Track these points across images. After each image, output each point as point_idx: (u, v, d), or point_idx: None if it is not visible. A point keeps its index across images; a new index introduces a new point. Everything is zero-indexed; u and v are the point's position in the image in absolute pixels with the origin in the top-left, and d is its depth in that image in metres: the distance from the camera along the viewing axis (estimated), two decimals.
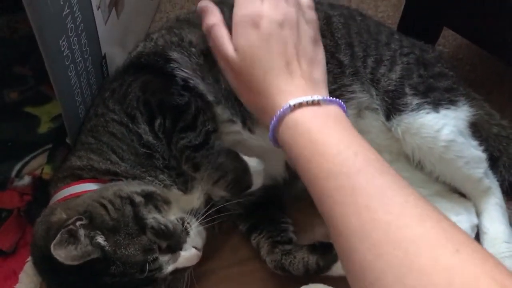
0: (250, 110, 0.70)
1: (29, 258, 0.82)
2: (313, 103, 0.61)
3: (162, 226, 0.70)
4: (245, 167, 0.77)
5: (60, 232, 0.64)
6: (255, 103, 0.67)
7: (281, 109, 0.61)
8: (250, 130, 0.81)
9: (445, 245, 0.47)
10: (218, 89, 0.79)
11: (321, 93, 0.63)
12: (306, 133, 0.59)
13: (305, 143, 0.59)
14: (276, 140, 0.64)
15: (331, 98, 0.62)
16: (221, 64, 0.69)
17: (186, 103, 0.75)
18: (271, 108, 0.63)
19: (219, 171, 0.75)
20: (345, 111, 0.63)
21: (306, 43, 0.67)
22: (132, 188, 0.73)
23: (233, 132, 0.81)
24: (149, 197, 0.72)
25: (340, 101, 0.63)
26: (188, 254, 0.72)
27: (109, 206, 0.69)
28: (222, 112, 0.79)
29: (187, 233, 0.73)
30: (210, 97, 0.78)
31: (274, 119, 0.62)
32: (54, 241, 0.63)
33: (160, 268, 0.69)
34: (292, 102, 0.60)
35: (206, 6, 0.70)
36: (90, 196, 0.71)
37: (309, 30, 0.68)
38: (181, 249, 0.72)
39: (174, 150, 0.76)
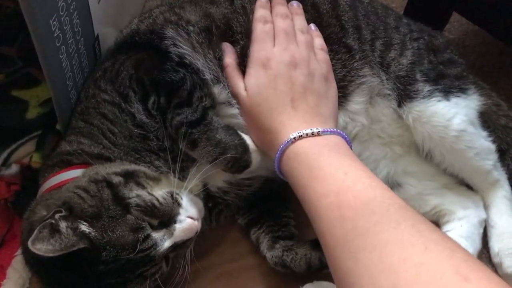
0: (260, 148, 0.75)
1: (17, 252, 0.79)
2: (313, 135, 0.67)
3: (148, 203, 0.66)
4: (244, 144, 0.75)
5: (38, 228, 0.61)
6: (263, 140, 0.73)
7: (284, 143, 0.67)
8: None
9: (416, 244, 0.51)
10: (219, 67, 0.77)
11: (325, 126, 0.69)
12: (304, 162, 0.65)
13: (303, 171, 0.65)
14: (281, 172, 0.70)
15: (332, 129, 0.68)
16: (236, 100, 0.76)
17: (181, 79, 0.73)
18: (276, 143, 0.69)
19: (218, 148, 0.72)
20: (347, 141, 0.68)
21: (316, 81, 0.74)
22: (110, 169, 0.70)
23: (230, 115, 0.78)
24: (129, 175, 0.69)
25: (342, 132, 0.69)
26: (185, 226, 0.68)
27: (84, 195, 0.66)
28: (219, 92, 0.77)
29: (179, 204, 0.69)
30: (208, 75, 0.76)
31: (278, 152, 0.68)
32: (31, 238, 0.60)
33: (155, 246, 0.65)
34: (293, 135, 0.67)
35: (225, 47, 0.78)
36: (67, 188, 0.69)
37: (320, 68, 0.75)
38: (175, 222, 0.68)
39: (169, 128, 0.73)
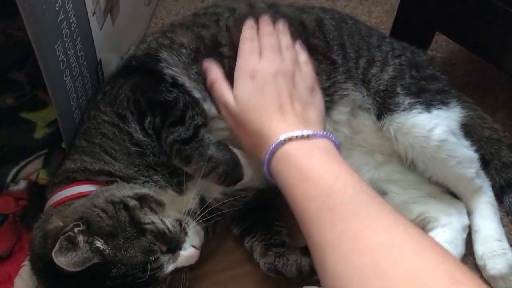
0: (249, 152, 0.77)
1: (25, 263, 0.82)
2: (302, 137, 0.67)
3: (161, 230, 0.71)
4: (235, 159, 0.78)
5: (59, 240, 0.64)
6: (252, 144, 0.73)
7: (274, 144, 0.67)
8: None
9: (408, 248, 0.51)
10: (203, 87, 0.80)
11: (314, 130, 0.68)
12: (293, 163, 0.65)
13: (292, 173, 0.65)
14: (271, 174, 0.69)
15: (322, 133, 0.68)
16: (223, 112, 0.78)
17: (174, 99, 0.77)
18: (265, 145, 0.69)
19: (210, 163, 0.76)
20: (335, 144, 0.68)
21: (301, 90, 0.75)
22: (124, 192, 0.73)
23: (221, 129, 0.82)
24: (143, 200, 0.73)
25: (331, 135, 0.69)
26: (188, 254, 0.73)
27: (103, 215, 0.69)
28: (209, 108, 0.81)
29: (186, 233, 0.74)
30: (197, 94, 0.80)
31: (267, 153, 0.68)
32: (55, 249, 0.63)
33: (161, 267, 0.70)
34: (283, 137, 0.67)
35: (209, 65, 0.80)
36: (82, 204, 0.72)
37: (304, 81, 0.77)
38: (180, 249, 0.73)
39: (164, 146, 0.77)
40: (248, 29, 0.82)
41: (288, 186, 0.65)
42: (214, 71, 0.79)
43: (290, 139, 0.67)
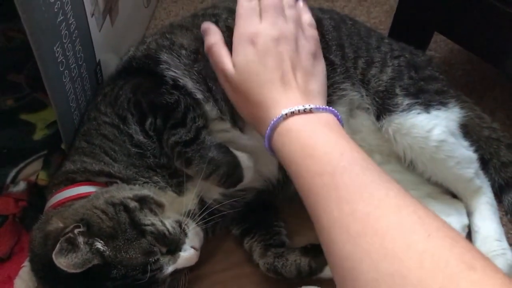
0: (249, 123, 0.74)
1: (24, 264, 0.82)
2: (305, 112, 0.64)
3: (161, 232, 0.71)
4: (236, 161, 0.78)
5: (60, 241, 0.64)
6: (253, 115, 0.70)
7: (275, 119, 0.65)
8: (241, 130, 0.83)
9: (418, 231, 0.49)
10: (205, 88, 0.80)
11: (315, 103, 0.66)
12: (296, 139, 0.63)
13: (295, 148, 0.62)
14: (272, 149, 0.67)
15: (324, 106, 0.66)
16: (221, 79, 0.74)
17: (175, 101, 0.77)
18: (266, 118, 0.66)
19: (210, 165, 0.76)
20: (338, 118, 0.66)
21: (304, 57, 0.71)
22: (124, 193, 0.74)
23: (223, 130, 0.82)
24: (143, 201, 0.73)
25: (333, 109, 0.66)
26: (187, 255, 0.74)
27: (103, 216, 0.70)
28: (211, 109, 0.81)
29: (185, 234, 0.75)
30: (199, 95, 0.80)
31: (269, 128, 0.65)
32: (55, 251, 0.63)
33: (161, 269, 0.70)
34: (285, 111, 0.64)
35: (208, 27, 0.76)
36: (83, 205, 0.72)
37: (308, 45, 0.73)
38: (180, 250, 0.73)
39: (165, 147, 0.77)
40: None
41: (291, 162, 0.62)
42: (213, 34, 0.75)
43: (292, 113, 0.64)
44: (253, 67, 0.70)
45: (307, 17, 0.77)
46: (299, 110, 0.64)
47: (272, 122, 0.65)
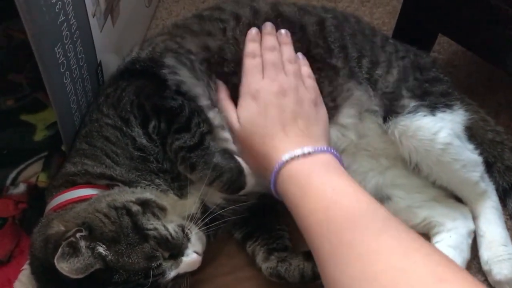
0: (256, 173, 0.78)
1: (24, 267, 0.82)
2: (304, 155, 0.69)
3: (164, 237, 0.70)
4: (240, 168, 0.78)
5: (62, 245, 0.64)
6: (258, 165, 0.75)
7: (277, 165, 0.70)
8: None
9: (396, 252, 0.54)
10: (210, 95, 0.81)
11: (316, 146, 0.71)
12: (295, 182, 0.68)
13: (295, 191, 0.67)
14: (278, 194, 0.72)
15: (323, 148, 0.71)
16: (230, 131, 0.80)
17: (179, 106, 0.76)
18: (270, 166, 0.71)
19: (214, 172, 0.75)
20: (337, 157, 0.71)
21: (305, 106, 0.77)
22: (126, 196, 0.73)
23: (224, 139, 0.81)
24: (145, 205, 0.72)
25: (332, 149, 0.71)
26: (190, 259, 0.73)
27: (105, 220, 0.69)
28: (214, 117, 0.80)
29: (188, 239, 0.74)
30: (205, 102, 0.79)
31: (273, 175, 0.70)
32: (57, 255, 0.63)
33: (163, 274, 0.69)
34: (285, 157, 0.69)
35: (218, 83, 0.82)
36: (84, 209, 0.71)
37: (308, 94, 0.79)
38: (183, 255, 0.72)
39: (169, 152, 0.76)
40: (250, 41, 0.83)
41: (293, 205, 0.67)
42: (220, 92, 0.81)
43: (292, 158, 0.69)
44: (255, 120, 0.75)
45: (306, 70, 0.82)
46: (298, 155, 0.69)
47: (275, 168, 0.70)
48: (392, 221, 0.59)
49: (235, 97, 0.81)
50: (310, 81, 0.81)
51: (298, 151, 0.69)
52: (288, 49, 0.83)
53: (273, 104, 0.76)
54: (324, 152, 0.70)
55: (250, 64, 0.81)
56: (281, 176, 0.70)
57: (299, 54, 0.84)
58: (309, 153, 0.69)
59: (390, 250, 0.55)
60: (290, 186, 0.68)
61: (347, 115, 0.85)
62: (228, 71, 0.83)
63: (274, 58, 0.81)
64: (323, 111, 0.80)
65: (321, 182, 0.65)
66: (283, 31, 0.84)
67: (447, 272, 0.51)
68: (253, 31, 0.84)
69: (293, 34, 0.85)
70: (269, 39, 0.83)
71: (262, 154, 0.73)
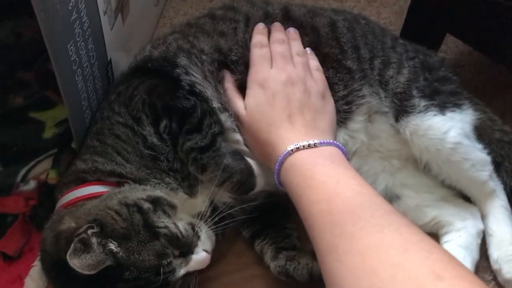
0: (261, 161, 0.79)
1: (35, 263, 0.82)
2: (309, 146, 0.70)
3: (174, 235, 0.70)
4: (250, 169, 0.78)
5: (74, 242, 0.64)
6: (263, 154, 0.76)
7: (282, 155, 0.70)
8: None
9: (396, 247, 0.54)
10: (222, 97, 0.81)
11: (321, 138, 0.71)
12: (299, 172, 0.68)
13: (298, 181, 0.67)
14: (281, 183, 0.72)
15: (329, 141, 0.71)
16: (236, 120, 0.80)
17: (192, 106, 0.76)
18: (275, 155, 0.71)
19: (225, 173, 0.76)
20: (343, 151, 0.71)
21: (313, 97, 0.77)
22: (137, 194, 0.73)
23: (234, 141, 0.82)
24: (156, 202, 0.73)
25: (337, 143, 0.71)
26: (199, 258, 0.73)
27: (117, 217, 0.69)
28: (225, 120, 0.80)
29: (198, 237, 0.74)
30: (216, 104, 0.80)
31: (277, 164, 0.70)
32: (69, 251, 0.63)
33: (173, 271, 0.70)
34: (290, 147, 0.70)
35: (224, 73, 0.82)
36: (96, 205, 0.71)
37: (316, 86, 0.79)
38: (192, 253, 0.73)
39: (180, 152, 0.76)
40: (257, 34, 0.83)
41: (296, 195, 0.67)
42: (227, 81, 0.81)
43: (297, 149, 0.69)
44: (262, 108, 0.76)
45: (314, 63, 0.82)
46: (303, 146, 0.69)
47: (279, 158, 0.70)
48: (393, 215, 0.59)
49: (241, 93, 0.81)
50: (318, 74, 0.81)
51: (304, 142, 0.70)
52: (296, 44, 0.83)
53: (281, 93, 0.76)
54: (330, 145, 0.70)
55: (257, 54, 0.80)
56: (285, 166, 0.70)
57: (308, 49, 0.84)
58: (315, 145, 0.69)
59: (390, 245, 0.55)
60: (294, 177, 0.68)
61: (357, 121, 0.86)
62: (235, 71, 0.82)
63: (283, 49, 0.81)
64: (330, 104, 0.80)
65: (325, 174, 0.65)
66: (291, 29, 0.85)
67: (446, 269, 0.51)
68: (260, 26, 0.84)
69: (305, 35, 0.85)
70: (278, 34, 0.83)
71: (267, 142, 0.74)
